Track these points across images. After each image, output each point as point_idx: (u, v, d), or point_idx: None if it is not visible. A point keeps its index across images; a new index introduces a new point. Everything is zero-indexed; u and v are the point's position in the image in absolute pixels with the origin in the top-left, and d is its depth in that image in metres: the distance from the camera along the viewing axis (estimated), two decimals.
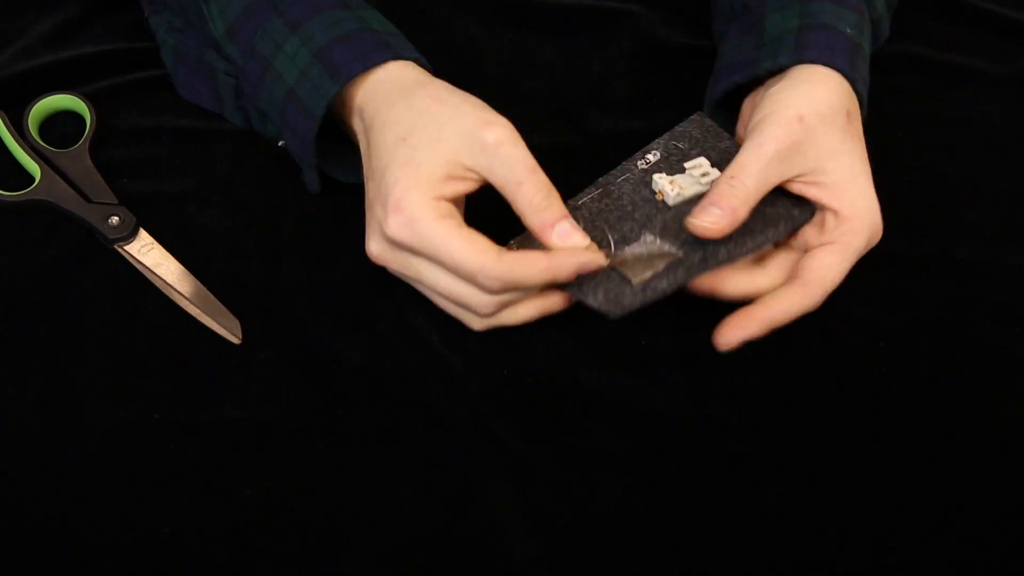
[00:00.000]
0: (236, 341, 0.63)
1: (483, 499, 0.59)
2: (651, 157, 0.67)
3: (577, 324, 0.64)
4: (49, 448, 0.59)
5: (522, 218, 0.59)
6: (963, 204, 0.73)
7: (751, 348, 0.63)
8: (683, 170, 0.66)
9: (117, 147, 0.72)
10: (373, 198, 0.60)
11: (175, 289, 0.65)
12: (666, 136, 0.68)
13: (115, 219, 0.67)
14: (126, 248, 0.66)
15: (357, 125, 0.64)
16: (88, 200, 0.68)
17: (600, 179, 0.67)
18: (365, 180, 0.62)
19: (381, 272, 0.65)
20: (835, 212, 0.62)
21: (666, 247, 0.63)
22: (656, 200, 0.65)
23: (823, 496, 0.59)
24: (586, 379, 0.63)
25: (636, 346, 0.64)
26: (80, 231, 0.68)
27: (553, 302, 0.62)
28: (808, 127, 0.62)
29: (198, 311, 0.64)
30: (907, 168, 0.74)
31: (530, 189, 0.58)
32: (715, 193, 0.61)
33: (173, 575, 0.55)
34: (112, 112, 0.74)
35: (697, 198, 0.63)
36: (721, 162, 0.65)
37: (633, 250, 0.63)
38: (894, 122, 0.77)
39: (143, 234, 0.67)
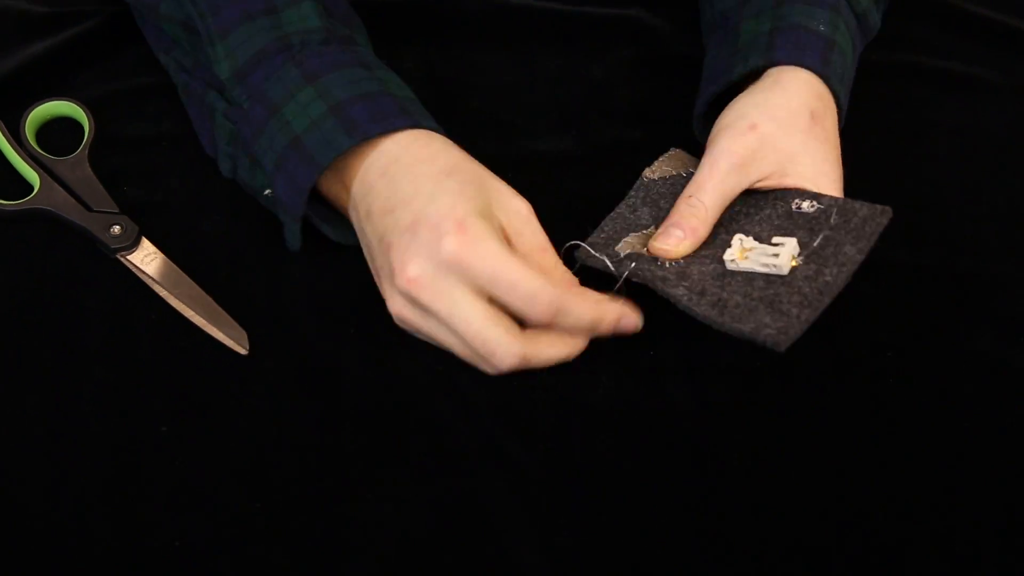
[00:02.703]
0: (243, 352, 0.62)
1: (489, 512, 0.58)
2: (806, 207, 0.63)
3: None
4: (52, 461, 0.58)
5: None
6: (961, 213, 0.73)
7: (757, 360, 0.63)
8: (770, 241, 0.62)
9: (116, 154, 0.72)
10: (412, 224, 0.57)
11: (179, 299, 0.64)
12: (842, 201, 0.63)
13: (117, 228, 0.66)
14: (128, 258, 0.66)
15: (373, 179, 0.61)
16: (89, 209, 0.67)
17: (772, 192, 0.65)
18: (383, 221, 0.59)
19: None
20: None
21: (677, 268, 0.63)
22: (728, 244, 0.63)
23: (829, 506, 0.59)
24: (593, 392, 0.63)
25: (644, 358, 0.64)
26: (80, 240, 0.67)
27: (577, 346, 0.61)
28: (762, 135, 0.63)
29: (204, 321, 0.63)
30: (906, 177, 0.75)
31: (551, 255, 0.60)
32: (676, 213, 0.63)
33: None
34: (110, 118, 0.73)
35: (748, 275, 0.61)
36: (825, 258, 0.61)
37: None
38: (893, 131, 0.77)
39: (145, 243, 0.66)
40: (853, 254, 0.60)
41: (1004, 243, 0.71)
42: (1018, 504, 0.59)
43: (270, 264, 0.67)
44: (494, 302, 0.57)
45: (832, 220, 0.62)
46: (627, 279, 0.62)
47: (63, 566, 0.55)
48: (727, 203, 0.64)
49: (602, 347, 0.64)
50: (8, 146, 0.70)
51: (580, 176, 0.74)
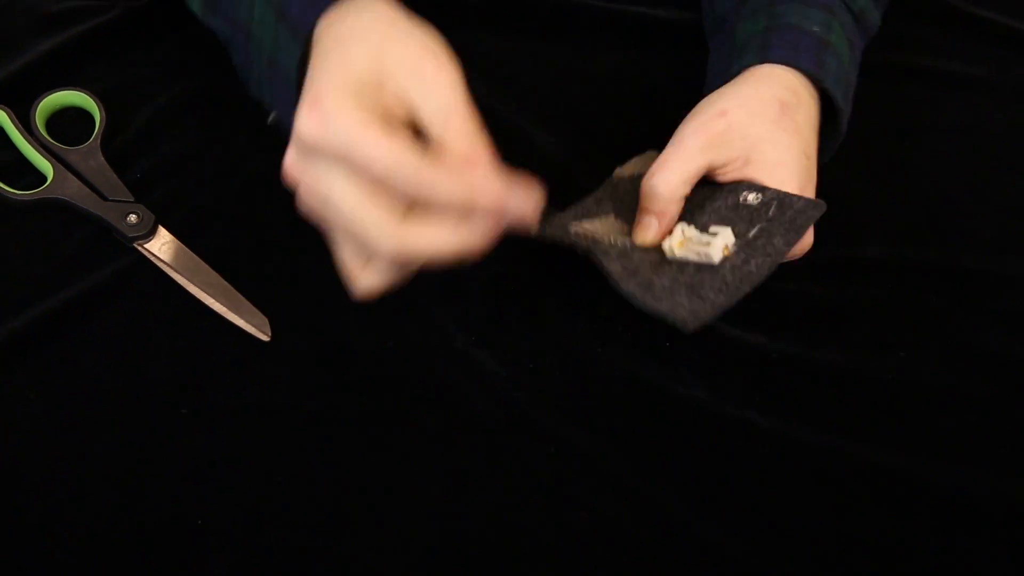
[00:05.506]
0: (265, 338, 0.62)
1: (507, 481, 0.59)
2: (752, 198, 0.64)
3: (599, 322, 0.65)
4: (74, 444, 0.58)
5: (445, 156, 0.50)
6: (965, 212, 0.74)
7: (770, 354, 0.64)
8: (707, 229, 0.63)
9: (129, 143, 0.72)
10: (298, 104, 0.51)
11: (199, 287, 0.64)
12: (783, 195, 0.63)
13: (133, 217, 0.66)
14: (145, 246, 0.66)
15: None
16: (103, 198, 0.67)
17: (728, 184, 0.66)
18: None
19: None
20: None
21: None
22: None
23: (833, 496, 0.60)
24: (609, 375, 0.63)
25: (660, 347, 0.64)
26: (96, 229, 0.67)
27: (473, 234, 0.50)
28: (731, 120, 0.64)
29: (225, 309, 0.63)
30: (909, 176, 0.76)
31: (459, 122, 0.50)
32: (643, 199, 0.64)
33: (204, 558, 0.55)
34: (121, 108, 0.73)
35: (682, 263, 0.63)
36: (755, 248, 0.62)
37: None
38: (896, 130, 0.78)
39: (162, 231, 0.66)
40: (780, 246, 0.62)
41: (1007, 240, 0.72)
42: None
43: (288, 248, 0.67)
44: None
45: (770, 212, 0.63)
46: (575, 249, 0.64)
47: (88, 543, 0.55)
48: (691, 182, 0.64)
49: (619, 330, 0.65)
50: (20, 137, 0.69)
51: (582, 172, 0.74)
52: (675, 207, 0.64)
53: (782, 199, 0.63)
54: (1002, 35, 0.84)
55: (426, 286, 0.65)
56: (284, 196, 0.68)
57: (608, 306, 0.64)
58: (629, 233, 0.65)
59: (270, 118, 0.60)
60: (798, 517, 0.59)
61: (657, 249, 0.64)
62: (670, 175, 0.63)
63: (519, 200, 0.49)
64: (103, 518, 0.56)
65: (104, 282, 0.64)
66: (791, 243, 0.62)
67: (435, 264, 0.51)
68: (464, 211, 0.49)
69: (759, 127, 0.65)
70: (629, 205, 0.67)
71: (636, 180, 0.68)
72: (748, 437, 0.61)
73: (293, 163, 0.51)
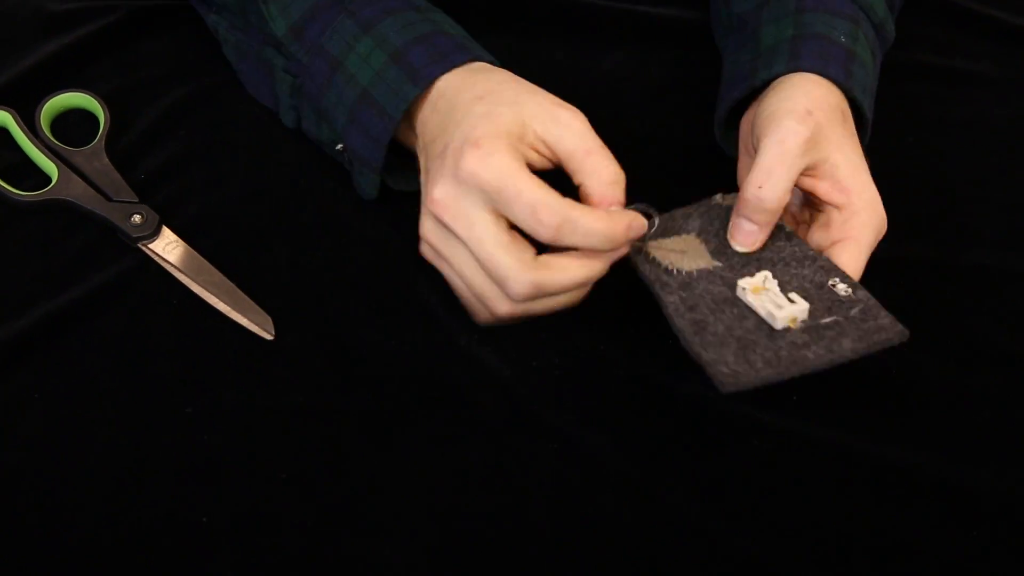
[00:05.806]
0: (269, 337, 0.62)
1: (513, 479, 0.59)
2: (841, 288, 0.62)
3: (603, 321, 0.65)
4: (81, 443, 0.59)
5: (584, 188, 0.58)
6: (969, 208, 0.74)
7: None
8: (787, 294, 0.61)
9: (133, 144, 0.72)
10: (443, 150, 0.58)
11: (203, 287, 0.64)
12: (873, 303, 0.61)
13: (137, 217, 0.67)
14: (150, 246, 0.66)
15: (427, 115, 0.62)
16: (108, 199, 0.68)
17: (819, 258, 0.64)
18: (428, 152, 0.61)
19: (406, 256, 0.65)
20: (840, 207, 0.64)
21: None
22: (751, 274, 0.63)
23: (837, 491, 0.60)
24: (611, 372, 0.64)
25: (662, 344, 0.64)
26: (101, 230, 0.67)
27: (595, 268, 0.58)
28: (818, 122, 0.63)
29: (228, 308, 0.63)
30: (914, 173, 0.76)
31: (599, 159, 0.58)
32: (745, 206, 0.62)
33: (212, 560, 0.55)
34: (125, 109, 0.73)
35: (747, 311, 0.61)
36: (821, 337, 0.59)
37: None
38: (900, 127, 0.78)
39: (166, 232, 0.67)
40: (846, 350, 0.59)
41: (1010, 236, 0.72)
42: None
43: (292, 248, 0.67)
44: (514, 230, 0.57)
45: (852, 312, 0.61)
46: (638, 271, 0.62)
47: (91, 542, 0.55)
48: (792, 187, 0.63)
49: (623, 333, 0.65)
50: (25, 138, 0.70)
51: None
52: (777, 216, 0.63)
53: (870, 306, 0.61)
54: (1005, 31, 0.84)
55: (428, 285, 0.66)
56: (286, 196, 0.70)
57: (610, 303, 0.64)
58: (705, 256, 0.64)
59: (338, 146, 0.67)
60: (802, 513, 0.59)
61: (727, 283, 0.62)
62: (778, 184, 0.62)
63: (639, 229, 0.58)
64: (107, 516, 0.56)
65: (108, 282, 0.65)
66: (858, 353, 0.59)
67: (553, 308, 0.58)
68: (604, 243, 0.57)
69: (834, 130, 0.64)
70: (716, 229, 0.65)
71: (731, 211, 0.66)
72: (751, 433, 0.62)
73: (444, 196, 0.57)
